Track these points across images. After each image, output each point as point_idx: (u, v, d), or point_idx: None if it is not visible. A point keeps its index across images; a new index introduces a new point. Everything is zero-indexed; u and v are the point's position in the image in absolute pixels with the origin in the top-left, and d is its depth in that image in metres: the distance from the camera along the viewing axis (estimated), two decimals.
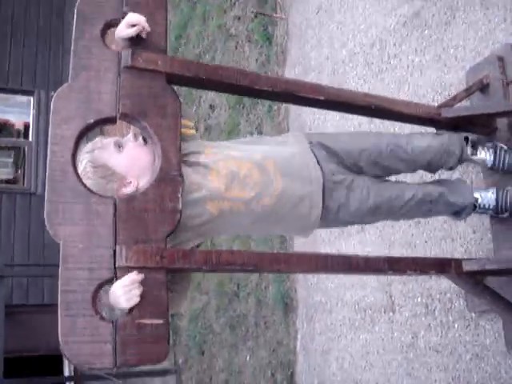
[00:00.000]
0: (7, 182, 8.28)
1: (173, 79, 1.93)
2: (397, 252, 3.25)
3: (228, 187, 1.91)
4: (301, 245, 4.22)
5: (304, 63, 4.38)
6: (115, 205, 1.69)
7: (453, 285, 2.58)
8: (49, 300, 6.96)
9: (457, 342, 2.77)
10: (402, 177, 2.85)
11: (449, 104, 2.46)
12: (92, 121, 1.77)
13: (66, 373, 7.34)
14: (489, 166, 2.47)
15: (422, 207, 2.27)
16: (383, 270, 1.98)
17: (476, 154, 2.44)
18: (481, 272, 2.15)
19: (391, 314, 3.26)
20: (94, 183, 1.78)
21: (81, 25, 1.85)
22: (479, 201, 2.40)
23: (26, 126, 8.10)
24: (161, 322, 1.61)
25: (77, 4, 1.87)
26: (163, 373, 6.13)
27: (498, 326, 2.54)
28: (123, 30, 1.83)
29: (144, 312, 1.60)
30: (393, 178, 2.42)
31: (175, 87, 1.94)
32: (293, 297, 4.32)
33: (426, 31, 3.16)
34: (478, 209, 2.42)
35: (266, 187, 1.97)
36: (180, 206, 1.77)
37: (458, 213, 2.40)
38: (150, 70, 1.87)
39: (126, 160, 1.85)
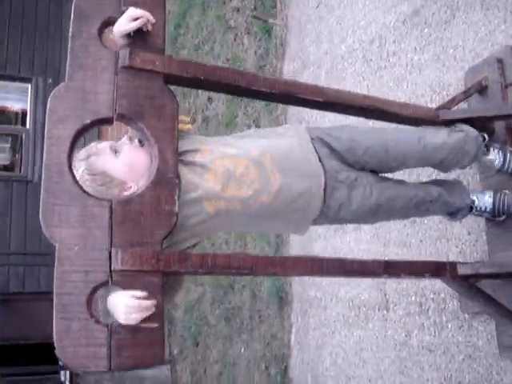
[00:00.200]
0: (4, 167, 8.26)
1: (170, 79, 1.91)
2: (392, 251, 3.26)
3: (224, 186, 1.89)
4: (297, 240, 4.23)
5: (303, 57, 4.37)
6: (111, 207, 1.68)
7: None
8: (45, 288, 6.96)
9: (450, 342, 2.78)
10: (399, 175, 2.87)
11: (447, 106, 2.46)
12: (88, 121, 1.75)
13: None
14: (497, 167, 2.42)
15: (421, 207, 2.24)
16: (378, 273, 1.98)
17: (487, 154, 2.39)
18: (475, 275, 2.16)
19: (385, 311, 3.28)
20: (93, 191, 1.76)
21: (78, 22, 1.83)
22: (476, 203, 2.40)
23: (24, 113, 8.07)
24: (156, 325, 1.61)
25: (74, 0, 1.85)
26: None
27: (490, 327, 2.56)
28: (125, 24, 1.80)
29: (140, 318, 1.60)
30: (390, 175, 2.41)
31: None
32: (288, 291, 4.34)
33: (426, 30, 3.15)
34: (474, 211, 2.42)
35: (264, 185, 1.94)
36: (176, 208, 1.76)
37: (453, 213, 2.39)
38: (147, 71, 1.85)
39: (124, 165, 1.82)
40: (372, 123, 2.92)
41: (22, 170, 7.72)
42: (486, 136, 2.40)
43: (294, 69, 4.46)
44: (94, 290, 1.60)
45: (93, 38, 1.83)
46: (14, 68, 7.83)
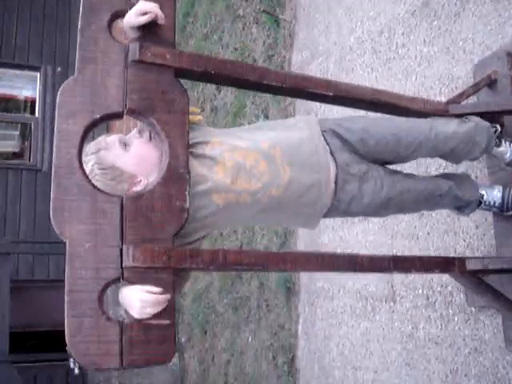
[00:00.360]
0: (14, 154, 8.30)
1: (181, 73, 1.91)
2: (399, 243, 3.26)
3: (234, 179, 1.89)
4: (304, 231, 4.23)
5: (311, 48, 4.35)
6: (122, 203, 1.69)
7: None
8: (54, 276, 7.02)
9: (456, 335, 2.79)
10: (408, 168, 2.87)
11: (456, 100, 2.45)
12: (98, 116, 1.74)
13: None
14: (507, 160, 2.42)
15: (431, 200, 2.24)
16: (388, 269, 1.99)
17: (499, 146, 2.38)
18: (484, 271, 2.17)
19: (392, 303, 3.29)
20: (103, 185, 1.76)
21: (87, 15, 1.81)
22: (484, 197, 2.40)
23: (33, 102, 8.09)
24: (167, 322, 1.63)
25: None
26: None
27: (497, 321, 2.57)
28: (134, 18, 1.79)
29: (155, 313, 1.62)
30: (398, 167, 2.40)
31: None
32: (295, 282, 4.35)
33: (435, 22, 3.13)
34: (482, 205, 2.42)
35: (273, 178, 1.94)
36: (187, 204, 1.76)
37: (462, 208, 2.39)
38: (157, 65, 1.83)
39: (134, 159, 1.83)
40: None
41: (32, 159, 7.75)
42: (498, 127, 2.39)
43: (303, 59, 4.45)
44: (106, 286, 1.61)
45: (102, 30, 1.81)
46: (23, 56, 7.84)
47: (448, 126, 2.22)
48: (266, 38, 4.95)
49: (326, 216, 2.11)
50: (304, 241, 4.27)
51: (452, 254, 2.86)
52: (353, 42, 3.86)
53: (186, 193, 1.78)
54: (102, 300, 1.60)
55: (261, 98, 4.98)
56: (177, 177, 1.78)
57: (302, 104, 4.44)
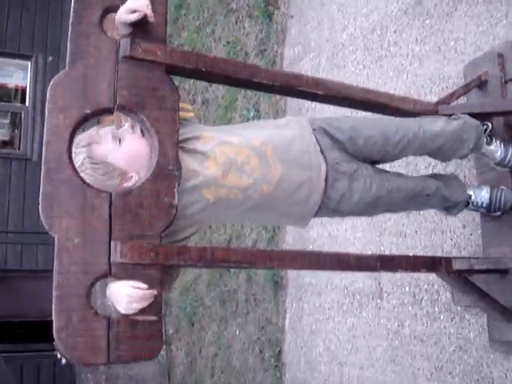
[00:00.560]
0: (4, 143, 8.26)
1: (172, 70, 1.91)
2: (387, 240, 3.29)
3: (225, 174, 1.90)
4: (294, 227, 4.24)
5: (304, 44, 4.35)
6: (111, 199, 1.69)
7: None
8: (42, 266, 7.00)
9: (441, 333, 2.82)
10: (396, 168, 2.89)
11: (446, 101, 2.46)
12: (89, 112, 1.74)
13: None
14: (498, 160, 2.43)
15: (419, 200, 2.26)
16: (375, 268, 2.00)
17: (490, 144, 2.39)
18: (470, 271, 2.19)
19: (379, 300, 3.31)
20: (93, 180, 1.76)
21: (79, 9, 1.80)
22: (472, 198, 2.42)
23: (23, 91, 8.04)
24: (154, 318, 1.64)
25: None
26: None
27: (482, 320, 2.60)
28: (124, 16, 1.78)
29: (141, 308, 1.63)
30: (387, 166, 2.42)
31: None
32: (283, 276, 4.37)
33: (428, 21, 3.14)
34: (470, 206, 2.43)
35: (265, 174, 1.95)
36: (176, 201, 1.77)
37: (449, 208, 2.41)
38: (148, 61, 1.84)
39: (126, 155, 1.83)
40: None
41: (21, 148, 7.72)
42: (489, 125, 2.41)
43: (295, 55, 4.45)
44: (94, 282, 1.61)
45: (94, 25, 1.81)
46: (14, 45, 7.79)
47: (435, 124, 2.23)
48: (258, 33, 4.94)
49: (316, 215, 2.12)
50: (292, 236, 4.29)
51: (439, 253, 2.88)
52: (345, 38, 3.86)
53: (175, 189, 1.78)
54: (90, 295, 1.60)
55: (252, 91, 4.98)
56: (166, 173, 1.79)
57: (293, 99, 4.44)
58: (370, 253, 3.36)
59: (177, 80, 2.02)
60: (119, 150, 1.84)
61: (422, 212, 3.02)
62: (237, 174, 1.92)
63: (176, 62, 1.89)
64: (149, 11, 1.79)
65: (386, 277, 3.28)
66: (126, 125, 1.89)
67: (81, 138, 1.84)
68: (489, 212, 2.45)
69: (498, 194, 2.41)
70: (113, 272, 1.63)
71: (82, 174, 1.73)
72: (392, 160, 2.33)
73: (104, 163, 1.81)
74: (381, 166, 2.28)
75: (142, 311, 1.62)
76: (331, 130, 2.12)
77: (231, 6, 5.41)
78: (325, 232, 3.90)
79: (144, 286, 1.62)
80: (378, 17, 3.56)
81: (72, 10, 1.81)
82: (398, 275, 3.16)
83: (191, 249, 1.74)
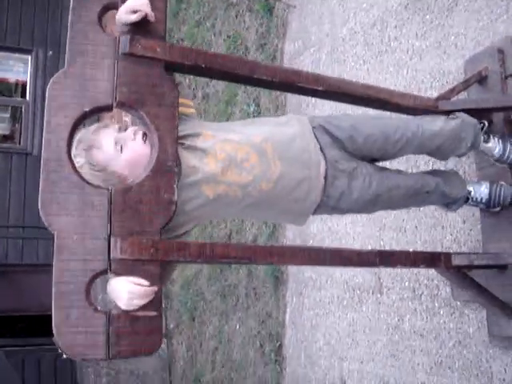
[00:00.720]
0: (4, 137, 8.26)
1: (171, 67, 1.91)
2: (387, 235, 3.29)
3: (224, 171, 1.90)
4: None
5: (304, 38, 4.35)
6: (110, 196, 1.70)
7: None
8: (43, 260, 7.01)
9: (441, 328, 2.83)
10: (396, 164, 2.89)
11: (446, 96, 2.46)
12: (88, 109, 1.75)
13: None
14: (496, 157, 2.43)
15: (419, 197, 2.27)
16: (374, 263, 2.01)
17: (487, 142, 2.39)
18: (469, 266, 2.20)
19: (379, 295, 3.32)
20: (92, 178, 1.76)
21: (77, 6, 1.81)
22: (472, 193, 2.42)
23: (24, 85, 8.03)
24: (154, 314, 1.65)
25: None
26: None
27: (481, 315, 2.60)
28: (124, 16, 1.79)
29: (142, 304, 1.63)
30: (387, 162, 2.42)
31: None
32: (283, 271, 4.38)
33: (428, 16, 3.13)
34: (470, 201, 2.43)
35: (264, 171, 1.95)
36: (175, 197, 1.78)
37: (449, 204, 2.41)
38: (148, 58, 1.84)
39: (127, 162, 1.82)
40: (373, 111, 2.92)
41: (22, 143, 7.71)
42: (486, 123, 2.41)
43: (295, 49, 4.44)
44: (93, 278, 1.62)
45: (92, 23, 1.81)
46: (14, 39, 7.77)
47: (435, 124, 2.24)
48: (258, 27, 4.93)
49: (315, 213, 2.12)
50: (293, 231, 4.29)
51: (439, 248, 2.89)
52: (345, 33, 3.85)
53: (175, 186, 1.79)
54: (90, 291, 1.61)
55: (252, 86, 4.98)
56: (165, 170, 1.79)
57: (293, 94, 4.43)
58: (369, 247, 3.38)
59: (178, 74, 2.03)
60: (120, 158, 1.82)
61: (421, 208, 3.02)
62: (236, 170, 1.92)
63: (175, 59, 1.89)
64: (149, 11, 1.79)
65: (385, 272, 3.28)
66: (129, 131, 1.86)
67: (81, 137, 1.83)
68: (488, 207, 2.45)
69: (498, 189, 2.41)
70: (112, 268, 1.64)
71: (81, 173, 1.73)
72: (391, 158, 2.34)
73: (104, 171, 1.81)
74: (381, 164, 2.29)
75: (142, 307, 1.63)
76: (331, 128, 2.13)
77: (231, 0, 5.40)
78: (325, 227, 3.91)
79: (145, 282, 1.62)
80: (378, 12, 3.55)
81: (71, 7, 1.82)
82: (398, 270, 3.16)
83: (191, 245, 1.74)
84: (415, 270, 3.03)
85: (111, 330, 1.59)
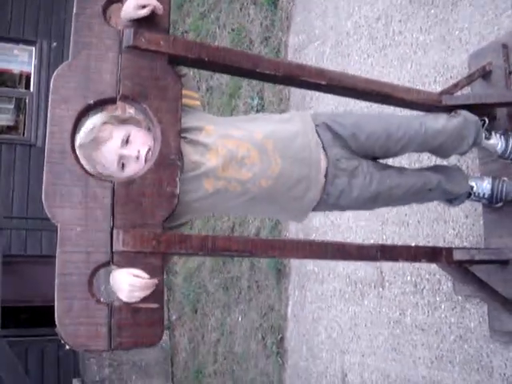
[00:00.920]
0: (8, 128, 8.28)
1: (175, 60, 1.91)
2: (389, 229, 3.30)
3: (225, 167, 1.90)
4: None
5: (308, 31, 4.34)
6: (113, 188, 1.71)
7: None
8: (46, 251, 7.04)
9: (442, 322, 2.84)
10: (399, 159, 2.89)
11: (450, 91, 2.46)
12: (92, 102, 1.76)
13: None
14: (499, 153, 2.43)
15: (420, 194, 2.27)
16: (376, 257, 2.01)
17: (489, 139, 2.40)
18: (470, 261, 2.20)
19: (381, 289, 3.33)
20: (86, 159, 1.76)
21: (82, 0, 1.82)
22: (474, 189, 2.42)
23: (28, 77, 8.04)
24: (156, 306, 1.66)
25: None
26: None
27: (482, 310, 2.61)
28: (133, 12, 1.79)
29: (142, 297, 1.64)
30: (390, 160, 2.42)
31: None
32: (286, 264, 4.39)
33: (433, 10, 3.13)
34: (472, 196, 2.44)
35: (264, 169, 1.95)
36: (178, 190, 1.79)
37: (451, 200, 2.42)
38: (152, 51, 1.84)
39: (127, 177, 1.79)
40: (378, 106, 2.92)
41: (26, 134, 7.72)
42: (486, 120, 2.41)
43: (299, 42, 4.43)
44: (95, 270, 1.63)
45: (97, 16, 1.81)
46: (18, 30, 7.76)
47: (437, 122, 2.24)
48: (263, 20, 4.93)
49: (314, 209, 2.13)
50: (295, 225, 4.30)
51: (441, 243, 2.89)
52: (350, 27, 3.85)
53: (177, 179, 1.79)
54: (92, 283, 1.62)
55: None
56: (168, 163, 1.80)
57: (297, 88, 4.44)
58: (372, 242, 3.38)
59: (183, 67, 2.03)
60: (122, 174, 1.80)
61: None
62: (237, 167, 1.92)
63: (179, 52, 1.89)
64: (158, 4, 1.79)
65: (387, 266, 3.29)
66: (132, 153, 1.80)
67: (83, 143, 1.77)
68: (490, 203, 2.46)
69: (500, 185, 2.41)
70: (115, 260, 1.65)
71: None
72: (393, 156, 2.33)
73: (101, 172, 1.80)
74: (383, 161, 2.29)
75: (144, 299, 1.64)
76: (334, 125, 2.13)
77: None
78: (327, 221, 3.91)
79: (145, 275, 1.63)
80: (382, 5, 3.54)
81: (75, 0, 1.82)
82: (400, 264, 3.17)
83: (192, 237, 1.75)
84: (417, 265, 3.04)
85: (113, 321, 1.60)
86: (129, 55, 1.82)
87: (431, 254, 2.15)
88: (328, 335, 3.79)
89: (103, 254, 1.65)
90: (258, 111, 4.77)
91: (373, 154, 2.19)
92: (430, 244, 2.92)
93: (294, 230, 4.35)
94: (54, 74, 1.75)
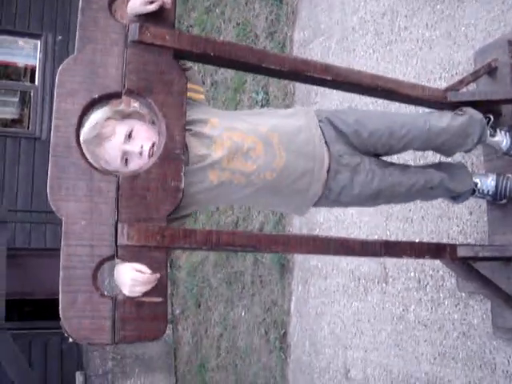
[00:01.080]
0: (13, 121, 8.29)
1: (180, 54, 1.91)
2: (393, 225, 3.29)
3: (230, 158, 1.91)
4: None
5: (314, 26, 4.33)
6: (118, 182, 1.71)
7: None
8: (51, 244, 7.06)
9: (445, 318, 2.84)
10: (403, 155, 2.88)
11: (455, 87, 2.45)
12: (97, 96, 1.76)
13: None
14: (504, 150, 2.43)
15: (422, 192, 2.27)
16: (379, 253, 2.01)
17: (494, 136, 2.39)
18: (474, 258, 2.20)
19: (384, 285, 3.33)
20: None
21: None
22: (478, 185, 2.42)
23: (33, 70, 8.04)
24: (160, 300, 1.66)
25: None
26: None
27: (486, 307, 2.61)
28: (140, 7, 1.79)
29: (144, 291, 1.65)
30: (394, 156, 2.41)
31: None
32: (289, 259, 4.39)
33: (438, 6, 3.12)
34: (476, 193, 2.43)
35: (269, 161, 1.96)
36: (182, 185, 1.79)
37: (455, 197, 2.42)
38: (157, 46, 1.84)
39: (132, 171, 1.82)
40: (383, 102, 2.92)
41: (30, 127, 7.73)
42: (491, 117, 2.40)
43: (305, 37, 4.42)
44: (100, 264, 1.64)
45: (102, 10, 1.82)
46: (24, 24, 7.77)
47: (442, 120, 2.24)
48: (268, 15, 4.91)
49: (316, 205, 2.14)
50: (299, 219, 4.30)
51: (445, 239, 2.89)
52: (355, 22, 3.84)
53: (182, 173, 1.80)
54: (97, 277, 1.63)
55: None
56: (173, 157, 1.80)
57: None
58: (376, 237, 3.38)
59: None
60: (125, 169, 1.83)
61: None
62: (242, 159, 1.93)
63: (184, 47, 1.89)
64: None
65: (391, 262, 3.29)
66: (137, 149, 1.83)
67: (87, 139, 1.80)
68: (495, 200, 2.45)
69: (504, 181, 2.41)
70: (119, 254, 1.66)
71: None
72: (396, 153, 2.33)
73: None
74: (385, 159, 2.29)
75: (148, 293, 1.65)
76: (337, 122, 2.13)
77: None
78: (331, 216, 3.91)
79: (147, 270, 1.64)
80: (388, 1, 3.53)
81: None
82: (404, 260, 3.17)
83: (197, 232, 1.76)
84: (421, 261, 3.04)
85: (117, 315, 1.61)
86: (134, 50, 1.83)
87: (435, 250, 2.15)
88: (331, 330, 3.79)
89: (108, 248, 1.66)
90: (262, 106, 4.77)
91: (375, 151, 2.20)
92: (434, 240, 2.92)
93: (297, 225, 4.35)
94: (60, 68, 1.76)
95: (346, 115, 2.18)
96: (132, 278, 1.62)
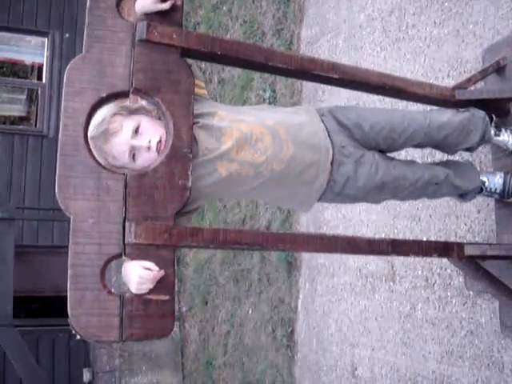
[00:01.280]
0: (21, 119, 8.32)
1: (187, 53, 1.92)
2: (401, 223, 3.29)
3: (239, 149, 1.92)
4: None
5: (321, 24, 4.32)
6: (126, 181, 1.72)
7: None
8: (58, 242, 7.08)
9: (453, 317, 2.83)
10: (411, 153, 2.88)
11: (463, 85, 2.44)
12: (104, 95, 1.77)
13: None
14: (511, 149, 2.42)
15: (428, 188, 2.26)
16: (386, 252, 2.02)
17: (499, 135, 2.39)
18: (482, 257, 2.19)
19: (391, 283, 3.33)
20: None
21: None
22: (486, 184, 2.41)
23: (40, 68, 8.06)
24: (167, 298, 1.67)
25: None
26: None
27: (494, 306, 2.60)
28: (151, 6, 1.80)
29: (151, 288, 1.66)
30: (403, 153, 2.41)
31: None
32: (296, 257, 4.40)
33: (447, 3, 3.10)
34: (484, 192, 2.42)
35: (277, 152, 1.97)
36: (189, 183, 1.80)
37: (463, 195, 2.41)
38: (164, 44, 1.85)
39: (141, 167, 1.81)
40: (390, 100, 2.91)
41: (38, 125, 7.74)
42: (493, 116, 2.40)
43: (312, 35, 4.42)
44: (108, 262, 1.65)
45: (110, 9, 1.83)
46: (31, 21, 7.77)
47: (443, 115, 2.26)
48: (275, 12, 4.91)
49: (320, 199, 2.14)
50: (306, 217, 4.30)
51: (453, 238, 2.88)
52: (363, 19, 3.83)
53: (189, 172, 1.81)
54: (104, 275, 1.64)
55: None
56: (180, 156, 1.81)
57: None
58: (383, 236, 3.38)
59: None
60: (134, 165, 1.81)
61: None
62: (250, 150, 1.94)
63: (191, 46, 1.90)
64: None
65: (399, 260, 3.29)
66: (145, 143, 1.81)
67: (95, 135, 1.77)
68: (502, 198, 2.44)
69: None
70: (127, 252, 1.67)
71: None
72: (398, 149, 2.33)
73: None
74: (390, 154, 2.29)
75: (155, 291, 1.65)
76: (339, 115, 2.16)
77: None
78: (339, 214, 3.91)
79: (154, 267, 1.64)
80: None
81: None
82: (411, 259, 3.17)
83: (204, 230, 1.76)
84: (428, 259, 3.03)
85: (124, 312, 1.62)
86: (142, 49, 1.83)
87: (443, 248, 2.14)
88: (338, 328, 3.79)
89: (115, 246, 1.67)
90: (270, 103, 4.77)
91: (377, 146, 2.20)
92: (442, 239, 2.92)
93: (304, 223, 4.35)
94: (68, 66, 1.77)
95: (346, 111, 2.21)
96: (140, 275, 1.63)
